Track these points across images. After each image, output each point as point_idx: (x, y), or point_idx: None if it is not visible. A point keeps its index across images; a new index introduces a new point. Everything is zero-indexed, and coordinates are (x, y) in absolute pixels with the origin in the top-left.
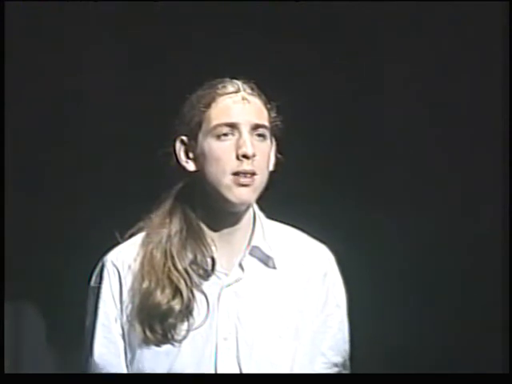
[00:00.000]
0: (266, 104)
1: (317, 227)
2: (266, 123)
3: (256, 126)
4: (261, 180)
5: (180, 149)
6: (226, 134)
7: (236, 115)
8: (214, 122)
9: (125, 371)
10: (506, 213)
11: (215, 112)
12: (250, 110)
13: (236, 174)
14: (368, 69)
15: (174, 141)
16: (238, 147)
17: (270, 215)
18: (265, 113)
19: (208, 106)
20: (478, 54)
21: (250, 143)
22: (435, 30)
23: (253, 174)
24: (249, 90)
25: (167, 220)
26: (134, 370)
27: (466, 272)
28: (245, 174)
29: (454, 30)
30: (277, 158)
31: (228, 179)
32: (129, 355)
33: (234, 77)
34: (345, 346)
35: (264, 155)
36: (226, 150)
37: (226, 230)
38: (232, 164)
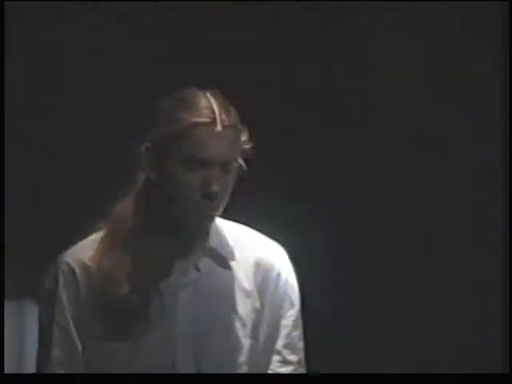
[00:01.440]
0: (239, 133)
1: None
2: (237, 156)
3: (227, 163)
4: (222, 206)
5: (146, 156)
6: (194, 167)
7: (208, 152)
8: (186, 152)
9: (82, 372)
10: (506, 213)
11: (187, 142)
12: (224, 145)
13: (198, 202)
14: (368, 69)
15: (142, 144)
16: (205, 183)
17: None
18: (237, 145)
19: (182, 130)
20: (478, 54)
21: (217, 182)
22: (435, 29)
23: (216, 204)
24: (225, 119)
25: (127, 218)
26: (92, 371)
27: (466, 272)
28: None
29: (454, 30)
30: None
31: (189, 205)
32: (86, 356)
33: (217, 85)
34: (300, 344)
35: (228, 187)
36: (192, 182)
37: (182, 232)
38: (196, 196)
